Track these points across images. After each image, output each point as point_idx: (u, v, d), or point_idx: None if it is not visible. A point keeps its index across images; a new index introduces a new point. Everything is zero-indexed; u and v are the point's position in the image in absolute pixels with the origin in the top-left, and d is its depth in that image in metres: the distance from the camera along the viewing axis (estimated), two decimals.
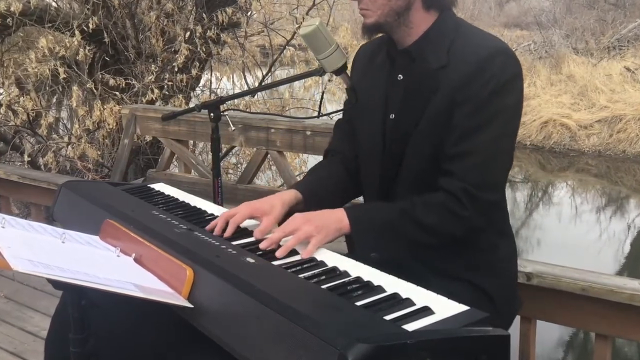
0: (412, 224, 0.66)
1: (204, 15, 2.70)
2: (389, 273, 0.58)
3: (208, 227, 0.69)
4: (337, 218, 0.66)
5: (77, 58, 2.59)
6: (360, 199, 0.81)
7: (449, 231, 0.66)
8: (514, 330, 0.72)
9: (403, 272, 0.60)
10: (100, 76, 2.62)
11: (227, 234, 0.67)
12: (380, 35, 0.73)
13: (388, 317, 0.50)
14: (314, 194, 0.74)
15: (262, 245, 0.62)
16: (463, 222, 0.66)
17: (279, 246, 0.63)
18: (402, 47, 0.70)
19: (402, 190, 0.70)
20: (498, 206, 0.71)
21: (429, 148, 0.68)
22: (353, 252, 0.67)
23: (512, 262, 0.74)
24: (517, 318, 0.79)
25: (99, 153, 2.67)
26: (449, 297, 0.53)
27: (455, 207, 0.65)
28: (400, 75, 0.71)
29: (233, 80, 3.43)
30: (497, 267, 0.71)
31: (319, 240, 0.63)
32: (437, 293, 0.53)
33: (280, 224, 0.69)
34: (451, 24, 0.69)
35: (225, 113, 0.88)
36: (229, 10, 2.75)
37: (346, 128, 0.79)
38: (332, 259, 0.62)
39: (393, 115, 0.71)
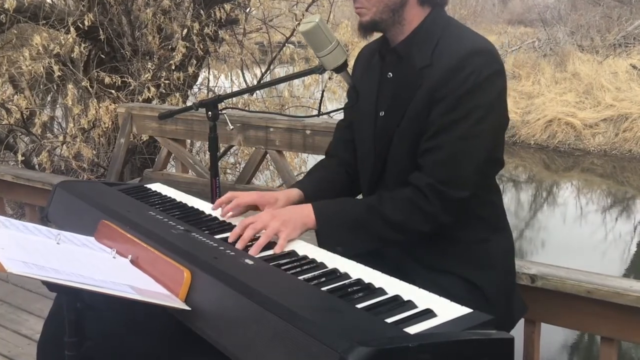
0: (378, 220, 0.66)
1: (202, 11, 2.67)
2: (375, 267, 0.57)
3: (214, 206, 0.71)
4: (303, 213, 0.67)
5: (72, 55, 2.57)
6: None
7: (414, 227, 0.66)
8: (518, 333, 0.70)
9: (394, 267, 0.60)
10: (96, 74, 2.59)
11: (224, 212, 0.69)
12: (381, 36, 0.74)
13: (389, 320, 0.49)
14: (314, 194, 0.75)
15: (237, 246, 0.63)
16: (429, 218, 0.66)
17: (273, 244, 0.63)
18: (394, 45, 0.71)
19: (389, 190, 0.70)
20: (486, 202, 0.71)
21: (409, 146, 0.68)
22: (320, 246, 0.66)
23: (507, 258, 0.73)
24: (521, 320, 0.78)
25: (95, 152, 2.65)
26: (439, 291, 0.52)
27: (421, 202, 0.65)
28: (390, 74, 0.71)
29: (231, 78, 3.41)
30: (488, 262, 0.70)
31: (288, 234, 0.64)
32: (428, 287, 0.53)
33: None
34: (440, 22, 0.69)
35: (224, 112, 0.87)
36: (227, 6, 2.74)
37: (345, 132, 0.81)
38: (332, 260, 0.61)
39: (382, 113, 0.71)
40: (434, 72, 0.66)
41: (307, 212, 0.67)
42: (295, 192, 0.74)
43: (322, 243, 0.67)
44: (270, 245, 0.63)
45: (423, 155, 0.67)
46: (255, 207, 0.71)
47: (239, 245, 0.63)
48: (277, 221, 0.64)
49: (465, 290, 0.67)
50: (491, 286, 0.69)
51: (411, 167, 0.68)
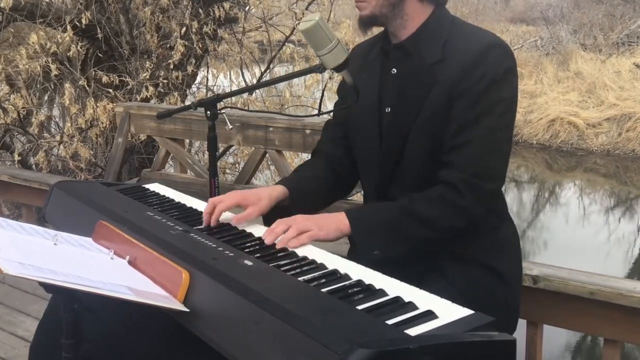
0: (412, 220, 0.66)
1: (200, 10, 2.66)
2: (398, 265, 0.57)
3: (204, 223, 0.70)
4: (337, 219, 0.68)
5: (70, 54, 2.53)
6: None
7: (449, 223, 0.66)
8: (520, 334, 0.71)
9: (416, 260, 0.61)
10: (93, 73, 2.57)
11: (213, 222, 0.69)
12: (375, 35, 0.74)
13: (390, 322, 0.49)
14: (299, 191, 0.74)
15: (266, 240, 0.64)
16: (462, 212, 0.66)
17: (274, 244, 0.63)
18: (397, 41, 0.71)
19: (402, 187, 0.70)
20: (496, 194, 0.72)
21: (428, 143, 0.68)
22: (356, 253, 0.67)
23: (515, 243, 0.75)
24: (524, 322, 0.78)
25: (92, 152, 2.63)
26: (462, 278, 0.53)
27: (454, 197, 0.66)
28: (394, 69, 0.71)
29: (230, 78, 3.37)
30: (500, 247, 0.72)
31: (315, 234, 0.65)
32: (454, 278, 0.54)
33: (266, 217, 0.70)
34: (446, 20, 0.70)
35: (223, 111, 0.86)
36: (226, 5, 2.71)
37: (335, 130, 0.80)
38: (332, 261, 0.61)
39: (389, 109, 0.71)
40: (450, 69, 0.66)
41: (340, 217, 0.67)
42: (279, 189, 0.73)
43: (357, 248, 0.67)
44: (293, 253, 0.62)
45: (451, 151, 0.67)
46: (239, 208, 0.71)
47: (268, 240, 0.63)
48: (310, 222, 0.65)
49: (487, 275, 0.67)
50: (508, 270, 0.70)
51: (430, 164, 0.68)
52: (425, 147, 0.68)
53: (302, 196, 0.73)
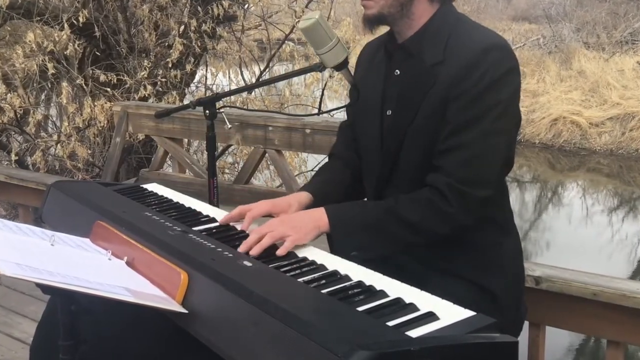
0: (394, 221, 0.65)
1: (199, 8, 2.65)
2: (386, 273, 0.56)
3: (222, 220, 0.68)
4: (315, 217, 0.65)
5: (67, 53, 2.53)
6: None
7: (432, 228, 0.65)
8: (522, 336, 0.70)
9: (402, 271, 0.59)
10: (91, 72, 2.56)
11: (244, 227, 0.67)
12: (385, 32, 0.72)
13: (391, 323, 0.48)
14: (324, 197, 0.73)
15: (240, 249, 0.62)
16: (447, 219, 0.64)
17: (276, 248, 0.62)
18: (401, 41, 0.70)
19: (399, 189, 0.69)
20: (498, 204, 0.70)
21: (425, 145, 0.67)
22: (333, 251, 0.65)
23: (517, 262, 0.72)
24: (526, 323, 0.77)
25: (90, 152, 2.63)
26: (449, 297, 0.52)
27: (440, 203, 0.64)
28: (397, 71, 0.70)
29: (229, 76, 3.35)
30: (499, 266, 0.69)
31: (296, 238, 0.63)
32: (437, 293, 0.52)
33: None
34: (450, 18, 0.68)
35: (221, 110, 0.85)
36: (225, 3, 2.70)
37: (348, 132, 0.79)
38: (332, 262, 0.60)
39: (390, 112, 0.70)
40: (448, 69, 0.65)
41: (319, 215, 0.65)
42: (305, 195, 0.73)
43: (336, 246, 0.66)
44: (293, 254, 0.61)
45: (442, 155, 0.65)
46: (270, 216, 0.70)
47: (241, 249, 0.61)
48: (286, 226, 0.63)
49: (477, 295, 0.66)
50: (503, 292, 0.68)
51: (426, 166, 0.66)
52: (422, 150, 0.67)
53: (326, 202, 0.70)
